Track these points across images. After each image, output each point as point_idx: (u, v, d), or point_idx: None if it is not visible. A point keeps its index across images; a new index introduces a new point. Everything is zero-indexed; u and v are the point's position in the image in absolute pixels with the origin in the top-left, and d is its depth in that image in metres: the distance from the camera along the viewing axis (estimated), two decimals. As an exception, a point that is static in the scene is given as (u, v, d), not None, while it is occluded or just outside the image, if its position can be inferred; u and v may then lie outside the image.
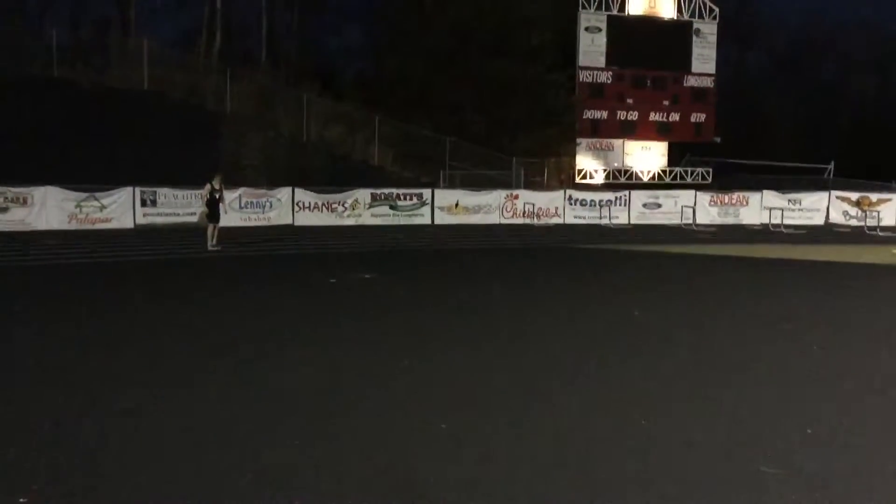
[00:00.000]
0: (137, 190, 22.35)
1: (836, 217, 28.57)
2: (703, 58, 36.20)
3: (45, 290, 12.16)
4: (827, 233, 25.68)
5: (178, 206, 22.78)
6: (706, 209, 28.21)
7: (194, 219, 21.91)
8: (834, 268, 16.37)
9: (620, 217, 27.76)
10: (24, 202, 20.99)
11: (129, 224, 22.11)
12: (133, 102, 25.87)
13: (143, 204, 22.50)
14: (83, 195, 21.64)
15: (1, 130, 22.58)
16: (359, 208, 25.36)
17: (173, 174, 22.25)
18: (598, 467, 4.86)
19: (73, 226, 21.33)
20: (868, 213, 27.81)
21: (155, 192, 22.59)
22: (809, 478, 4.73)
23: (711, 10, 36.03)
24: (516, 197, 27.48)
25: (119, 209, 22.13)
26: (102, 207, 21.91)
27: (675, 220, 27.70)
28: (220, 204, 18.05)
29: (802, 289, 13.30)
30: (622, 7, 34.89)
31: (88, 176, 21.66)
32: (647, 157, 36.55)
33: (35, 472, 4.64)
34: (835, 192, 29.25)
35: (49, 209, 21.23)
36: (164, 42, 33.77)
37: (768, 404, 6.25)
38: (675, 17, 35.66)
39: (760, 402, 6.29)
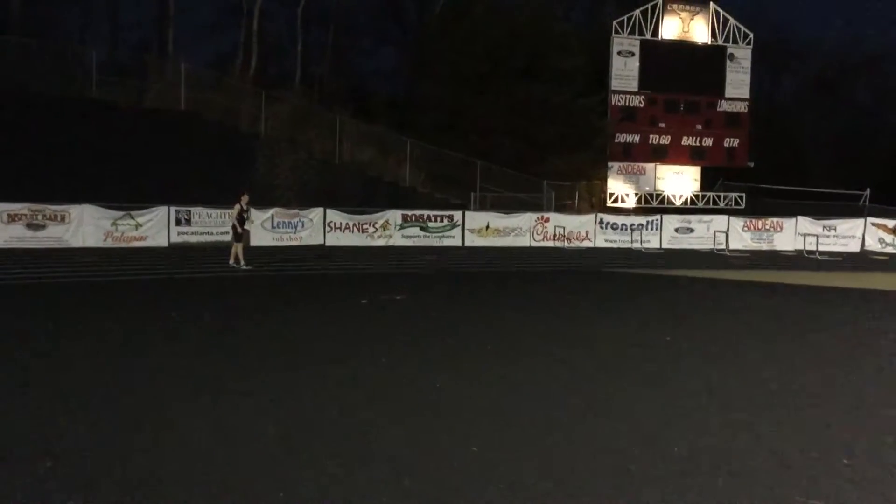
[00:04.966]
0: (172, 209, 22.65)
1: (872, 244, 28.15)
2: (737, 82, 35.97)
3: (90, 305, 12.35)
4: (863, 260, 25.29)
5: (212, 224, 23.03)
6: (739, 234, 27.94)
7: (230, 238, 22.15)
8: (878, 296, 16.09)
9: (652, 241, 27.58)
10: (62, 220, 21.35)
11: (163, 242, 22.38)
12: (169, 123, 26.26)
13: (178, 223, 22.78)
14: (119, 213, 21.97)
15: (40, 149, 23.04)
16: (389, 229, 25.46)
17: (207, 194, 22.53)
18: (631, 494, 4.79)
19: (109, 244, 21.63)
20: (905, 240, 27.40)
21: (189, 211, 22.88)
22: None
23: (746, 35, 35.85)
24: (547, 220, 27.43)
25: (154, 228, 22.42)
26: (138, 226, 22.22)
27: (708, 246, 27.45)
28: (246, 224, 18.32)
29: (848, 315, 13.08)
30: (655, 32, 34.85)
31: (124, 194, 22.01)
32: (680, 181, 36.29)
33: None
34: (871, 219, 28.85)
35: (86, 227, 21.57)
36: (200, 64, 34.28)
37: (806, 433, 6.14)
38: (709, 42, 35.53)
39: (798, 432, 6.18)
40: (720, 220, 28.46)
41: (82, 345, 9.14)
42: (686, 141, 35.67)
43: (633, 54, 34.77)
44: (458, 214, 26.70)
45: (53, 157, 23.05)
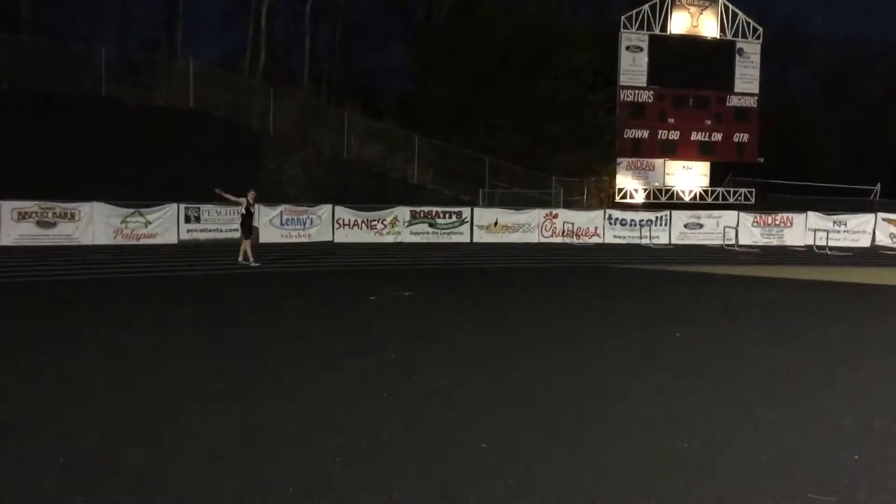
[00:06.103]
0: (181, 206, 22.71)
1: (883, 239, 27.99)
2: (747, 77, 35.87)
3: (96, 302, 12.40)
4: (873, 255, 25.14)
5: (221, 222, 23.10)
6: (749, 230, 27.83)
7: (238, 234, 22.18)
8: (889, 291, 16.01)
9: (661, 237, 27.51)
10: (72, 217, 21.43)
11: (172, 239, 22.46)
12: (178, 120, 26.33)
13: (187, 220, 22.84)
14: (129, 211, 22.04)
15: (49, 147, 23.14)
16: (398, 226, 25.48)
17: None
18: (639, 491, 4.78)
19: (119, 241, 21.72)
20: (916, 235, 27.24)
21: (199, 208, 22.94)
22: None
23: (755, 30, 35.73)
24: (555, 216, 27.38)
25: (163, 225, 22.50)
26: (147, 223, 22.30)
27: (717, 241, 27.36)
28: (252, 220, 18.37)
29: (859, 312, 13.02)
30: (664, 27, 34.76)
31: (134, 192, 22.08)
32: (689, 176, 36.22)
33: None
34: (881, 215, 28.68)
35: (95, 224, 21.65)
36: (209, 61, 34.43)
37: (815, 428, 6.11)
38: (718, 37, 35.42)
39: (807, 427, 6.16)
40: (730, 216, 28.35)
41: (86, 344, 9.18)
42: (695, 136, 35.61)
43: (641, 49, 34.71)
44: (466, 211, 26.68)
45: (63, 154, 23.15)
